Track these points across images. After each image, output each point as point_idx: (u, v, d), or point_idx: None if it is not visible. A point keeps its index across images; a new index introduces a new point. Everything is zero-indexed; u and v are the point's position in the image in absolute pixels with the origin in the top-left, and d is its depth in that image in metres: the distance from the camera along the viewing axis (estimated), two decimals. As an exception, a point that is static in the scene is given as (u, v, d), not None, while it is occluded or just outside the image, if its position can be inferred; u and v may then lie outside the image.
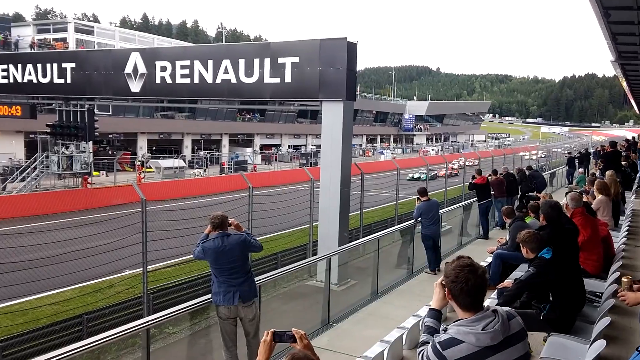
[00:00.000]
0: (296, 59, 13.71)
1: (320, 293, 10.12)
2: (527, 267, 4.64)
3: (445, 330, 2.36)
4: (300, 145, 58.65)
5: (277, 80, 14.09)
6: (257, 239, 5.68)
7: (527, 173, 15.33)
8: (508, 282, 5.21)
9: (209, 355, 6.36)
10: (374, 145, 73.53)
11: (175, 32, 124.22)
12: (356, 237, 14.82)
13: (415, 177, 34.88)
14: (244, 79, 14.72)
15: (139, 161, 37.91)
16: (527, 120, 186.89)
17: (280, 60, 13.99)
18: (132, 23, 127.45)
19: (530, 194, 13.94)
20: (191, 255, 13.05)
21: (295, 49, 13.95)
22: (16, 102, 22.69)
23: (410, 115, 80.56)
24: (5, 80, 20.98)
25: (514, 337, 2.34)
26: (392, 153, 64.47)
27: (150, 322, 4.62)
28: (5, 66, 20.97)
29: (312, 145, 57.24)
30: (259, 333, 5.42)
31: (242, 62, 14.71)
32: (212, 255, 5.32)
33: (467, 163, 37.76)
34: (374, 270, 8.44)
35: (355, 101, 14.11)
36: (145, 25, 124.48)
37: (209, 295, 5.45)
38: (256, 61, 14.41)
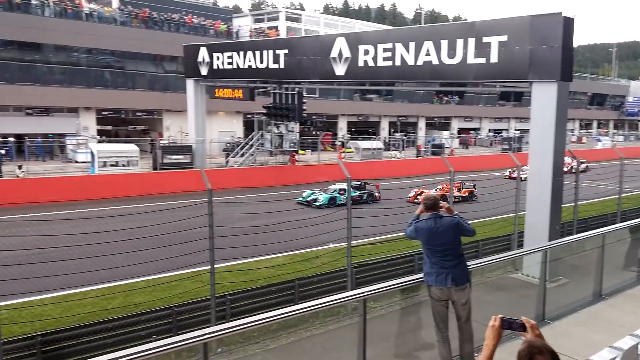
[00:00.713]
0: (503, 38, 13.03)
1: (526, 287, 9.54)
2: None
3: None
4: (502, 129, 55.59)
5: (481, 60, 13.59)
6: None
7: None
8: None
9: (418, 332, 6.48)
10: (589, 131, 66.15)
11: (374, 16, 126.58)
12: (569, 232, 13.66)
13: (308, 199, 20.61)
14: (446, 60, 14.46)
15: (339, 141, 39.83)
16: None
17: (486, 39, 13.43)
18: (334, 9, 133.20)
19: None
20: (390, 235, 13.43)
21: (502, 27, 13.24)
22: (238, 85, 25.50)
23: (635, 98, 70.47)
24: (230, 67, 23.72)
25: None
26: (612, 140, 57.18)
27: (367, 293, 4.86)
28: (230, 54, 23.69)
29: (516, 130, 53.86)
30: (471, 318, 5.35)
31: (444, 43, 14.47)
32: (424, 236, 5.37)
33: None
34: (596, 270, 7.64)
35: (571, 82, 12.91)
36: (345, 11, 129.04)
37: (420, 275, 5.52)
38: (459, 41, 14.03)
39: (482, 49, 13.43)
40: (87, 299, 10.11)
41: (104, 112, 33.50)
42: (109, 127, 36.07)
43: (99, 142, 26.67)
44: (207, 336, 3.90)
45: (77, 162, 27.70)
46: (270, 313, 4.64)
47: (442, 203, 5.51)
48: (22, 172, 23.12)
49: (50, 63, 31.13)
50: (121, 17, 33.81)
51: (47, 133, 30.55)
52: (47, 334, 8.27)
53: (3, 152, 25.32)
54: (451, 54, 14.24)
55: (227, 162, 29.90)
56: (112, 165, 24.48)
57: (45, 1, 30.64)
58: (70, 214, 16.27)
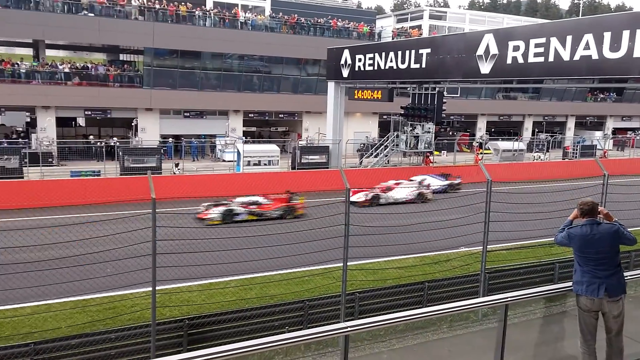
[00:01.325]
0: (679, 27, 11.65)
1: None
2: None
3: None
4: (667, 130, 49.32)
5: (651, 53, 12.34)
6: None
7: None
8: None
9: (559, 343, 6.07)
10: None
11: (524, 9, 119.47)
12: None
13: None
14: (608, 54, 13.37)
15: (477, 142, 38.25)
16: None
17: (656, 30, 12.17)
18: (480, 4, 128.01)
19: None
20: (529, 241, 12.59)
21: (679, 16, 11.88)
22: (378, 87, 25.68)
23: None
24: (371, 68, 23.99)
25: None
26: None
27: (510, 299, 4.73)
28: (372, 55, 23.96)
29: (686, 131, 47.52)
30: (622, 332, 4.97)
31: (607, 35, 13.40)
32: (577, 243, 5.09)
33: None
34: None
35: None
36: (493, 5, 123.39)
37: (566, 284, 5.25)
38: (625, 33, 12.92)
39: (653, 41, 12.29)
40: (228, 288, 10.91)
41: (250, 115, 35.87)
42: (253, 129, 38.51)
43: (245, 142, 28.56)
44: (349, 329, 3.99)
45: (224, 160, 29.97)
46: (423, 309, 4.69)
47: (601, 209, 5.19)
48: (178, 169, 25.59)
49: (207, 69, 34.08)
50: (272, 24, 35.81)
51: (200, 134, 33.53)
52: (193, 319, 9.05)
53: (162, 151, 28.19)
54: (614, 47, 13.23)
55: (360, 163, 30.27)
56: (255, 164, 26.09)
57: (207, 12, 33.61)
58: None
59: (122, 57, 40.26)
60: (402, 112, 26.36)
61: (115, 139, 30.51)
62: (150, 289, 7.97)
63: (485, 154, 35.60)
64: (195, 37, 32.31)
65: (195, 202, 18.07)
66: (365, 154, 31.04)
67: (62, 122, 32.55)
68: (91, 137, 32.28)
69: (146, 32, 30.94)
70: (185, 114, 33.98)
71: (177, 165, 25.92)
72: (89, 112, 31.90)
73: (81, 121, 35.89)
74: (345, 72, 25.86)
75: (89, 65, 32.70)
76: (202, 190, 20.45)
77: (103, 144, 26.71)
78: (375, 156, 29.52)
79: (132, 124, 31.29)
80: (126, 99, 31.62)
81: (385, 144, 29.34)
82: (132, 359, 8.24)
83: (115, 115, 32.51)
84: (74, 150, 28.59)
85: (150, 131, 31.98)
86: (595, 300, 4.96)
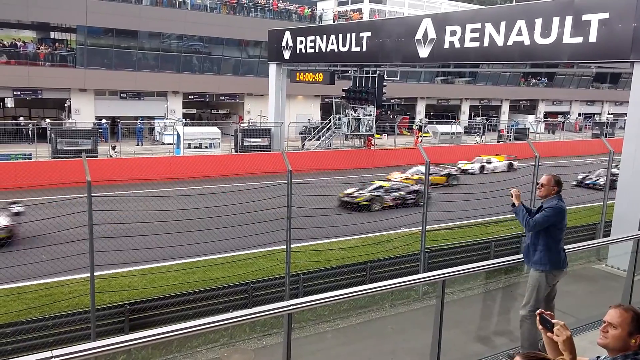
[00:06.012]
0: (605, 15, 12.30)
1: (610, 279, 9.07)
2: None
3: None
4: (593, 114, 52.20)
5: (578, 40, 12.92)
6: None
7: None
8: None
9: (495, 318, 6.40)
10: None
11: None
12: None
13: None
14: (539, 40, 13.88)
15: (417, 125, 39.11)
16: None
17: (585, 17, 12.74)
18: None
19: None
20: (465, 221, 13.06)
21: (604, 3, 12.50)
22: (319, 69, 25.66)
23: None
24: (312, 50, 23.90)
25: None
26: None
27: (446, 275, 4.87)
28: (313, 37, 23.85)
29: (609, 114, 50.39)
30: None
31: (538, 21, 13.89)
32: (565, 217, 5.20)
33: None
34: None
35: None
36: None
37: (501, 259, 5.53)
38: (555, 20, 13.42)
39: (580, 28, 12.83)
40: (170, 272, 10.73)
41: (190, 96, 35.01)
42: (193, 111, 37.65)
43: (184, 124, 27.92)
44: (292, 307, 3.97)
45: (163, 143, 29.19)
46: (362, 287, 4.74)
47: (515, 190, 5.30)
48: (115, 152, 24.72)
49: (144, 49, 32.84)
50: (211, 3, 34.77)
51: (137, 116, 32.43)
52: (134, 303, 8.87)
53: (97, 133, 27.07)
54: (545, 33, 13.72)
55: (303, 146, 30.31)
56: (195, 147, 25.59)
57: (144, -10, 32.19)
58: (156, 193, 17.30)
59: (53, 35, 38.13)
60: (344, 95, 26.52)
61: (47, 120, 28.96)
62: (89, 274, 7.76)
63: (424, 137, 36.47)
64: (132, 15, 31.03)
65: (134, 186, 17.56)
66: (308, 136, 31.06)
67: (-12, 103, 30.59)
68: (21, 118, 30.54)
69: (79, 10, 29.37)
70: (121, 95, 32.70)
71: (114, 148, 25.02)
72: (18, 92, 30.10)
73: (9, 102, 33.80)
74: (286, 54, 25.68)
75: (18, 43, 30.78)
76: (141, 173, 19.88)
77: (34, 125, 25.33)
78: (318, 139, 29.62)
79: (65, 105, 29.83)
80: (58, 79, 30.04)
81: (327, 127, 29.48)
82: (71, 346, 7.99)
83: (46, 95, 30.87)
84: (3, 132, 26.92)
85: (84, 113, 30.60)
86: (563, 270, 5.20)
